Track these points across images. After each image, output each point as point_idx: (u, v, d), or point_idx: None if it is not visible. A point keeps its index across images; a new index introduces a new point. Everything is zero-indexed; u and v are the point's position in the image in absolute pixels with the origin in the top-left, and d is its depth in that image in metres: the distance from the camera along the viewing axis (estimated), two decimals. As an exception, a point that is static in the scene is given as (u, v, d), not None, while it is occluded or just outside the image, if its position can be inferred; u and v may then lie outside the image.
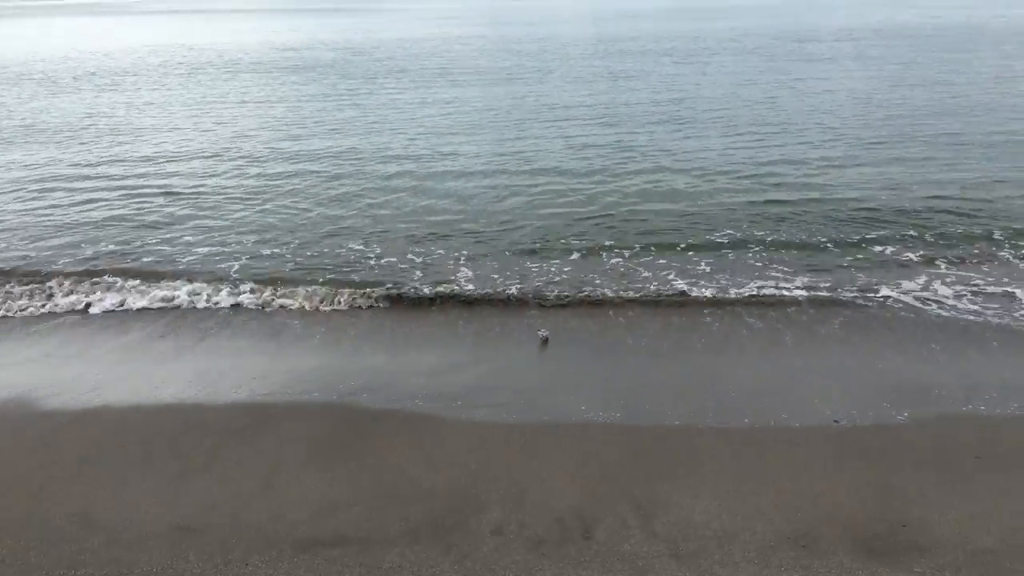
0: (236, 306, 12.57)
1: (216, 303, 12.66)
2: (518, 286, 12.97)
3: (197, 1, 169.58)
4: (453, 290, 12.85)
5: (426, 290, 12.88)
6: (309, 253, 14.66)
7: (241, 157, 22.59)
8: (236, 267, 14.00)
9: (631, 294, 12.55)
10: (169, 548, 6.82)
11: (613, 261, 13.97)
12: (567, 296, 12.53)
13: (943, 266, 13.45)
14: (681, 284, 12.89)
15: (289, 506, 7.36)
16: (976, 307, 11.87)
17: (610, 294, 12.58)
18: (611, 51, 49.01)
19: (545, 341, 11.05)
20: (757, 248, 14.42)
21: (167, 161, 22.26)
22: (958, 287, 12.54)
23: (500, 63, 44.25)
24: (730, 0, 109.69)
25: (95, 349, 11.18)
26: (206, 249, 14.97)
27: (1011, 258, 13.74)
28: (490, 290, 12.85)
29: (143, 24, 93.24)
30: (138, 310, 12.52)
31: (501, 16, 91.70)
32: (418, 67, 43.32)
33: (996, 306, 11.89)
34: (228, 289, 13.01)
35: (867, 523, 7.00)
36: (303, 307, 12.50)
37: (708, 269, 13.44)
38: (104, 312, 12.43)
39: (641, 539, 6.82)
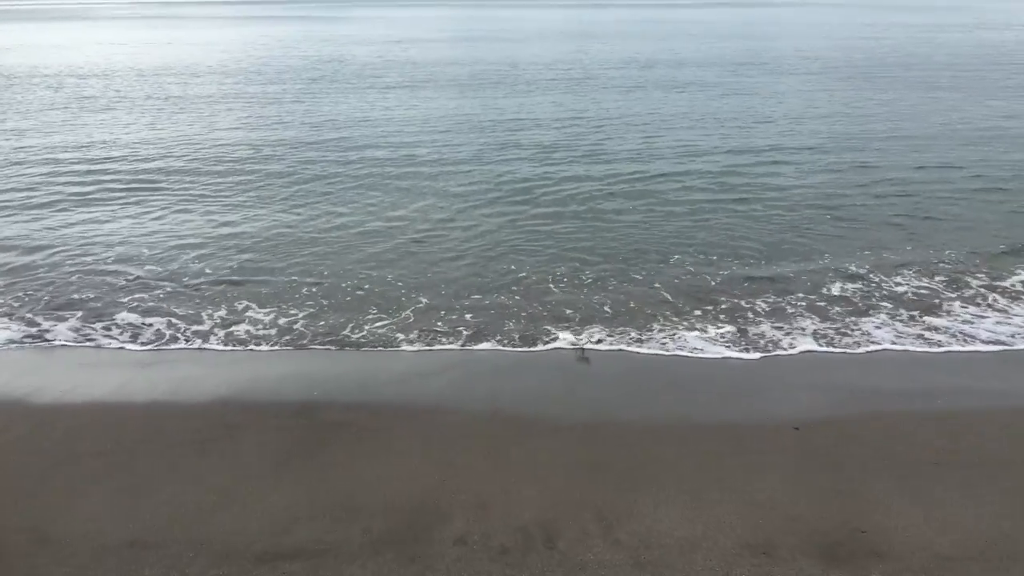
0: (197, 318, 12.24)
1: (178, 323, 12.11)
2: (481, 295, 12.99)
3: (159, 7, 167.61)
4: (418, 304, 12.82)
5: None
6: (278, 265, 14.52)
7: (191, 171, 22.26)
8: (201, 277, 13.84)
9: (595, 306, 12.55)
10: (124, 563, 6.69)
11: (582, 275, 13.88)
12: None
13: (901, 271, 13.65)
14: (646, 300, 12.93)
15: (249, 519, 7.26)
16: (930, 311, 12.06)
17: (578, 307, 12.50)
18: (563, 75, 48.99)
19: (583, 356, 10.85)
20: (718, 256, 14.53)
21: (117, 170, 21.97)
22: (911, 289, 12.76)
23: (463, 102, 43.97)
24: (689, 16, 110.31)
25: (54, 363, 10.96)
26: (174, 264, 14.74)
27: (966, 265, 14.00)
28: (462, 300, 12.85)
29: (104, 29, 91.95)
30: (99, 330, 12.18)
31: (462, 30, 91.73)
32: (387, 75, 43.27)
33: (949, 308, 12.10)
34: (192, 308, 12.73)
35: (827, 530, 7.07)
36: (268, 318, 12.24)
37: (677, 281, 13.42)
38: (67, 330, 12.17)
39: (603, 548, 6.82)
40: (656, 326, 11.70)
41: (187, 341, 11.42)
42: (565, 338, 11.26)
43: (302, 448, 8.49)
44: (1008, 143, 24.22)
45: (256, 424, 9.02)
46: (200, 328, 11.80)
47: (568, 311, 12.20)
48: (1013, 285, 13.06)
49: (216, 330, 11.71)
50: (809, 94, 34.33)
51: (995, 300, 12.48)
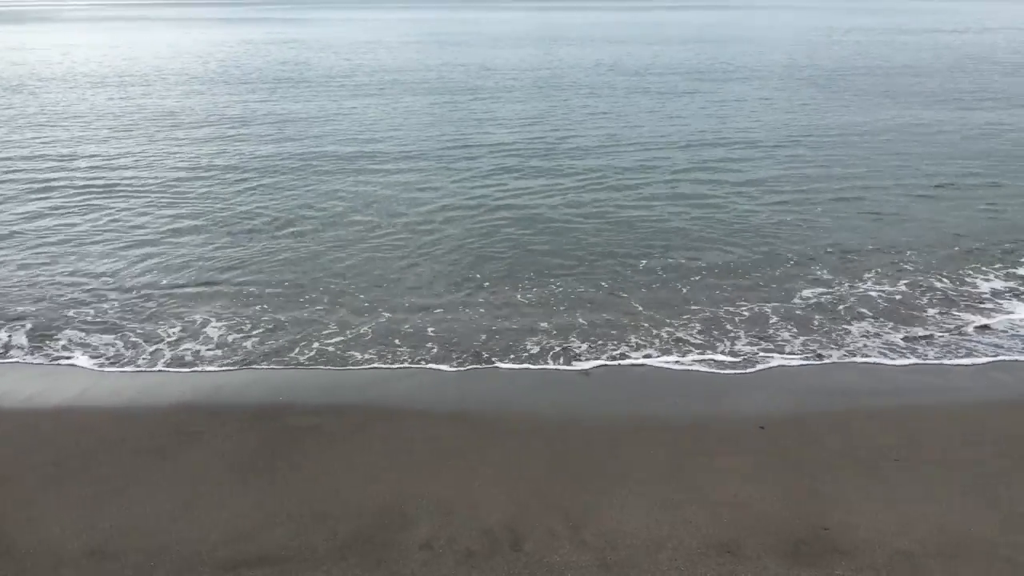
0: (154, 335, 11.77)
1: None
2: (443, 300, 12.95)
3: (121, 9, 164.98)
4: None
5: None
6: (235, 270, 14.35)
7: (149, 175, 21.96)
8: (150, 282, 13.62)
9: (564, 317, 12.51)
10: (83, 573, 6.56)
11: (550, 283, 13.81)
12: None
13: (868, 274, 13.84)
14: (611, 302, 12.98)
15: (211, 527, 7.15)
16: (904, 320, 12.24)
17: (549, 317, 12.32)
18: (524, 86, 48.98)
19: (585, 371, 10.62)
20: (686, 260, 14.60)
21: (75, 171, 21.63)
22: (882, 295, 12.95)
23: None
24: (651, 19, 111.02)
25: (10, 372, 10.71)
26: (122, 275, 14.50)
27: (928, 265, 14.22)
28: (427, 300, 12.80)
29: (64, 32, 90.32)
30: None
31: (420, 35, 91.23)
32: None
33: (922, 317, 12.29)
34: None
35: (791, 528, 7.13)
36: (222, 334, 11.66)
37: (645, 291, 13.28)
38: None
39: (570, 550, 6.82)
40: (634, 340, 11.35)
41: (138, 365, 10.72)
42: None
43: (266, 453, 8.39)
44: (956, 145, 24.61)
45: (219, 430, 8.90)
46: (156, 348, 11.18)
47: (543, 324, 11.88)
48: (978, 290, 13.25)
49: (167, 351, 11.07)
50: (767, 97, 34.70)
51: (963, 305, 12.63)
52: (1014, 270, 13.98)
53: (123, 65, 49.47)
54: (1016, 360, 10.78)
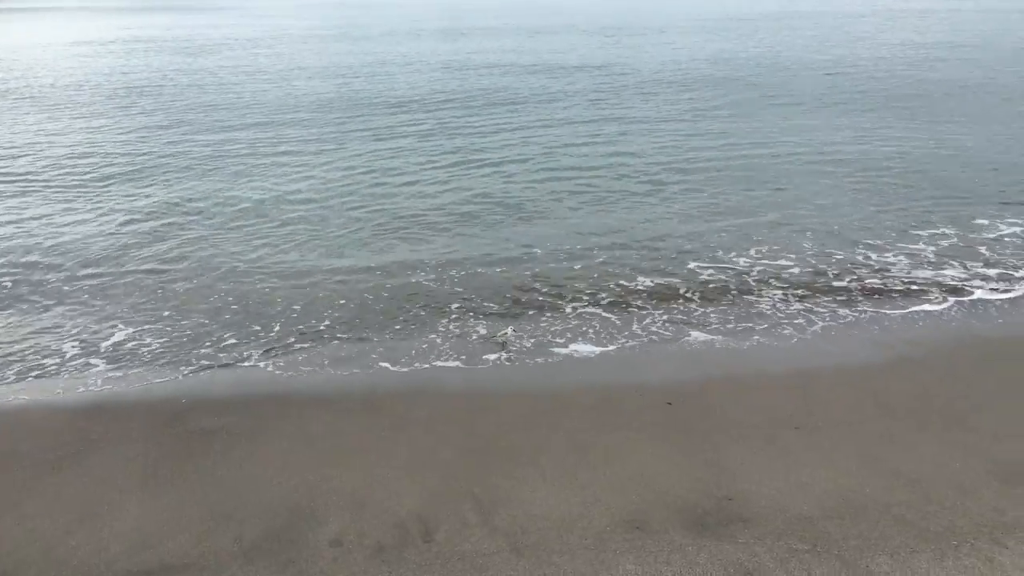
0: (52, 348, 11.02)
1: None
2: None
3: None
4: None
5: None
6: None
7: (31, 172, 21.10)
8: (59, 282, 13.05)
9: (472, 299, 12.52)
10: (-29, 596, 6.28)
11: (457, 264, 13.78)
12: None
13: (753, 244, 14.28)
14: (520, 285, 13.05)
15: (111, 539, 6.90)
16: (785, 282, 12.65)
17: (454, 301, 12.37)
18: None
19: (504, 345, 10.68)
20: (581, 247, 14.63)
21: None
22: (765, 262, 13.36)
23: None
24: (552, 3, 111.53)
25: None
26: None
27: (809, 235, 14.72)
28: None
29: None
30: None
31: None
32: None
33: (804, 280, 12.72)
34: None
35: (696, 500, 7.30)
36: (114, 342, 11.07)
37: (539, 269, 13.41)
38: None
39: (482, 536, 6.84)
40: (543, 320, 11.44)
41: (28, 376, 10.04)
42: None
43: (170, 458, 8.14)
44: (834, 129, 25.31)
45: (120, 437, 8.59)
46: (47, 357, 10.55)
47: (455, 304, 11.90)
48: (867, 258, 13.84)
49: (61, 360, 10.45)
50: (655, 78, 35.42)
51: (855, 273, 13.14)
52: (903, 244, 14.53)
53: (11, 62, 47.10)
54: (898, 318, 11.31)
